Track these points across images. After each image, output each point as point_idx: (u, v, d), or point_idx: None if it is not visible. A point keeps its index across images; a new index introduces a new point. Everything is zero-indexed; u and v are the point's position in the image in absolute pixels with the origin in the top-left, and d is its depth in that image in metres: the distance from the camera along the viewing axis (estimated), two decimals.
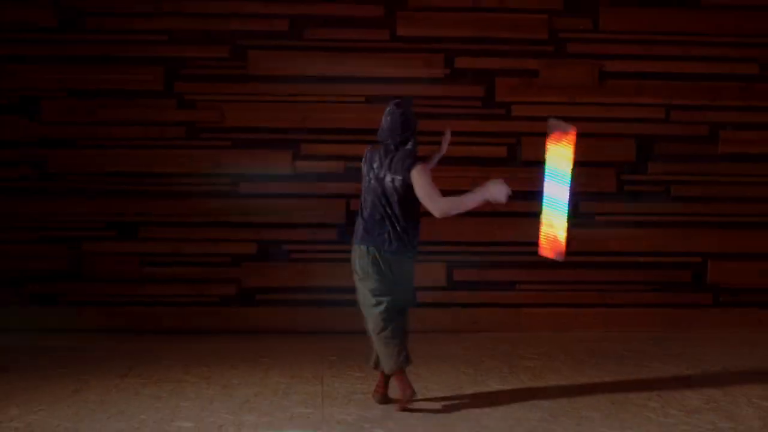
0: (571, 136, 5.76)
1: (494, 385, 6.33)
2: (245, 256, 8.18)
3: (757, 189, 8.46)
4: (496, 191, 5.62)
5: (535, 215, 8.12)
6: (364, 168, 5.86)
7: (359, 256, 5.76)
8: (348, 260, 5.89)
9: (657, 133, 8.39)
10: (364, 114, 7.86)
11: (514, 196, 8.15)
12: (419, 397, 5.90)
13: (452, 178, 8.10)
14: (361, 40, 8.17)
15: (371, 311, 5.72)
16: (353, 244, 5.82)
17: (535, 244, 8.17)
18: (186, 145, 8.14)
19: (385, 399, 5.86)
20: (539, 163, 8.12)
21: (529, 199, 8.12)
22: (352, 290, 5.94)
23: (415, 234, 5.81)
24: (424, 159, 5.91)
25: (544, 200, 5.80)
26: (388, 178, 5.71)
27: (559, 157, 5.77)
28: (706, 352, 7.53)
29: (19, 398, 5.88)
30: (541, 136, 8.15)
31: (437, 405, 5.85)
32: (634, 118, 8.35)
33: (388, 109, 5.81)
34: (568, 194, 5.74)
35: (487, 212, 8.09)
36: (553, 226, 5.76)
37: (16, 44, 8.01)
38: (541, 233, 5.82)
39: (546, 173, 5.80)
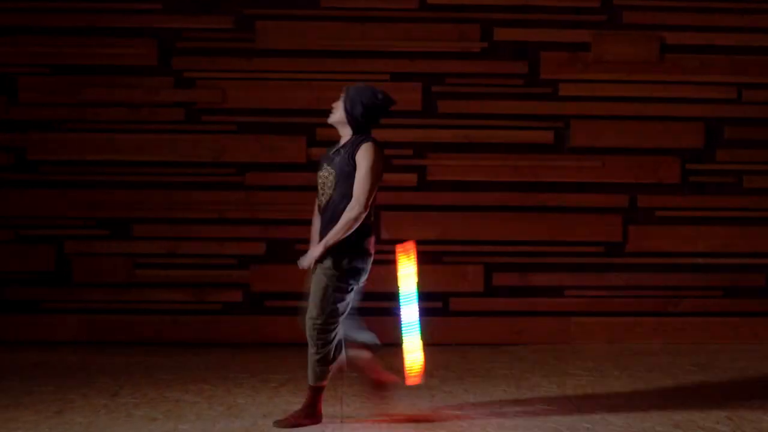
0: (410, 247, 5.84)
1: (539, 405, 6.28)
2: (253, 257, 8.20)
3: None
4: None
5: (587, 209, 8.26)
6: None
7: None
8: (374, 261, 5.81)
9: (727, 116, 8.37)
10: (389, 93, 7.81)
11: (561, 189, 8.29)
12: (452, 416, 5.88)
13: (491, 168, 8.14)
14: (385, 8, 8.20)
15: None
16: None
17: (586, 243, 8.29)
18: (184, 129, 8.17)
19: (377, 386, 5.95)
20: (590, 150, 8.26)
21: (579, 191, 8.19)
22: (377, 296, 5.95)
23: None
24: None
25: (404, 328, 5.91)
26: None
27: (407, 275, 5.82)
28: None
29: None
30: (593, 119, 8.26)
31: (474, 427, 5.77)
32: (701, 98, 8.34)
33: (380, 95, 5.82)
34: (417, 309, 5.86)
35: (530, 207, 8.14)
36: (411, 351, 5.85)
37: None
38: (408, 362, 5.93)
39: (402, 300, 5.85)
